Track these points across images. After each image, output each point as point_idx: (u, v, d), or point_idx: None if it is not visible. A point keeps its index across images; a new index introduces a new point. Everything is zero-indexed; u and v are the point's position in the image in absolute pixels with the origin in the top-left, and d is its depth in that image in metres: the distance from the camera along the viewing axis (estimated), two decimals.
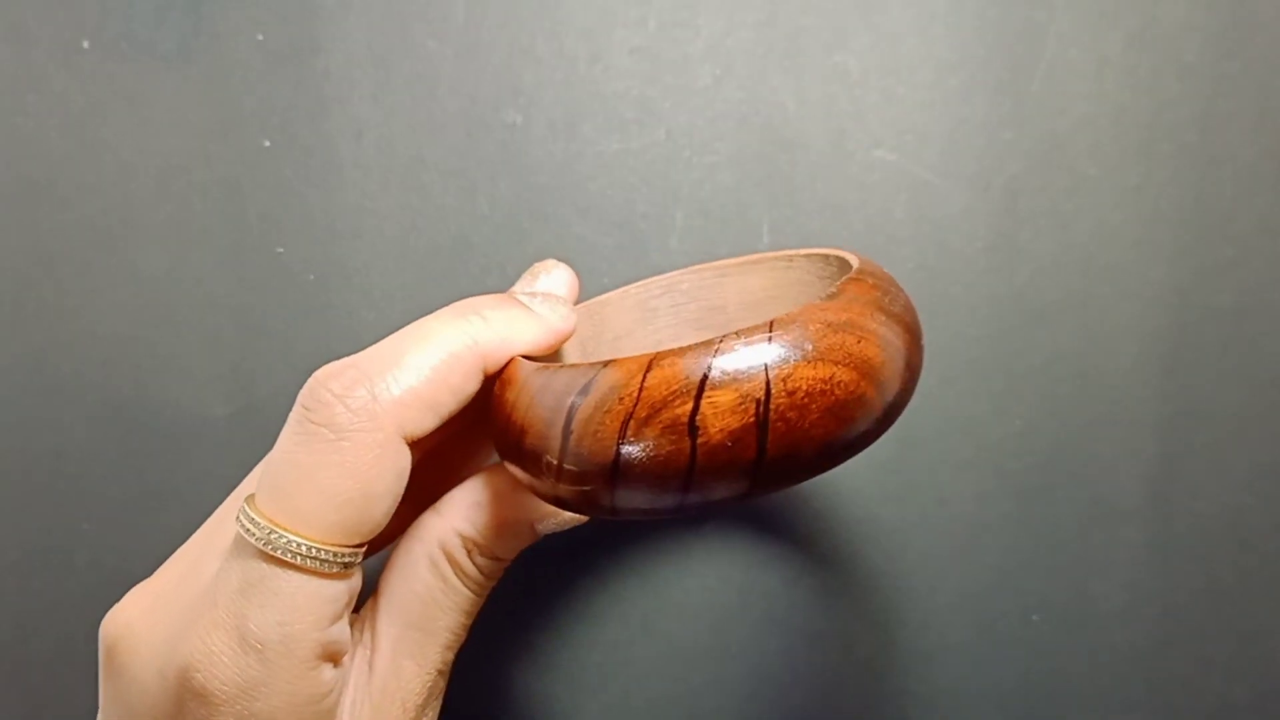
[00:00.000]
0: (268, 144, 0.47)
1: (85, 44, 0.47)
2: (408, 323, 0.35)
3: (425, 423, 0.33)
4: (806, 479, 0.29)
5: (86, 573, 0.48)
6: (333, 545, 0.32)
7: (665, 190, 0.47)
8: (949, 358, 0.47)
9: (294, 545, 0.31)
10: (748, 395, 0.27)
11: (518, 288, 0.40)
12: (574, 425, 0.29)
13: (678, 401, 0.27)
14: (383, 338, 0.34)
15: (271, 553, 0.31)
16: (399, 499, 0.33)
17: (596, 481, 0.29)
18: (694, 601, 0.48)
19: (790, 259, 0.41)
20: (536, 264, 0.41)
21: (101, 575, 0.48)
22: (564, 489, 0.30)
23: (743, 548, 0.48)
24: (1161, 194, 0.47)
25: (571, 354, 0.41)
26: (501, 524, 0.36)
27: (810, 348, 0.28)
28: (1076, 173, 0.47)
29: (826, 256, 0.39)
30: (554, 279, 0.40)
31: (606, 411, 0.28)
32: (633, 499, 0.29)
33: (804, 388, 0.28)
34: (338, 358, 0.34)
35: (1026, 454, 0.47)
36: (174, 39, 0.47)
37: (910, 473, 0.47)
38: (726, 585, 0.48)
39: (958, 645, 0.48)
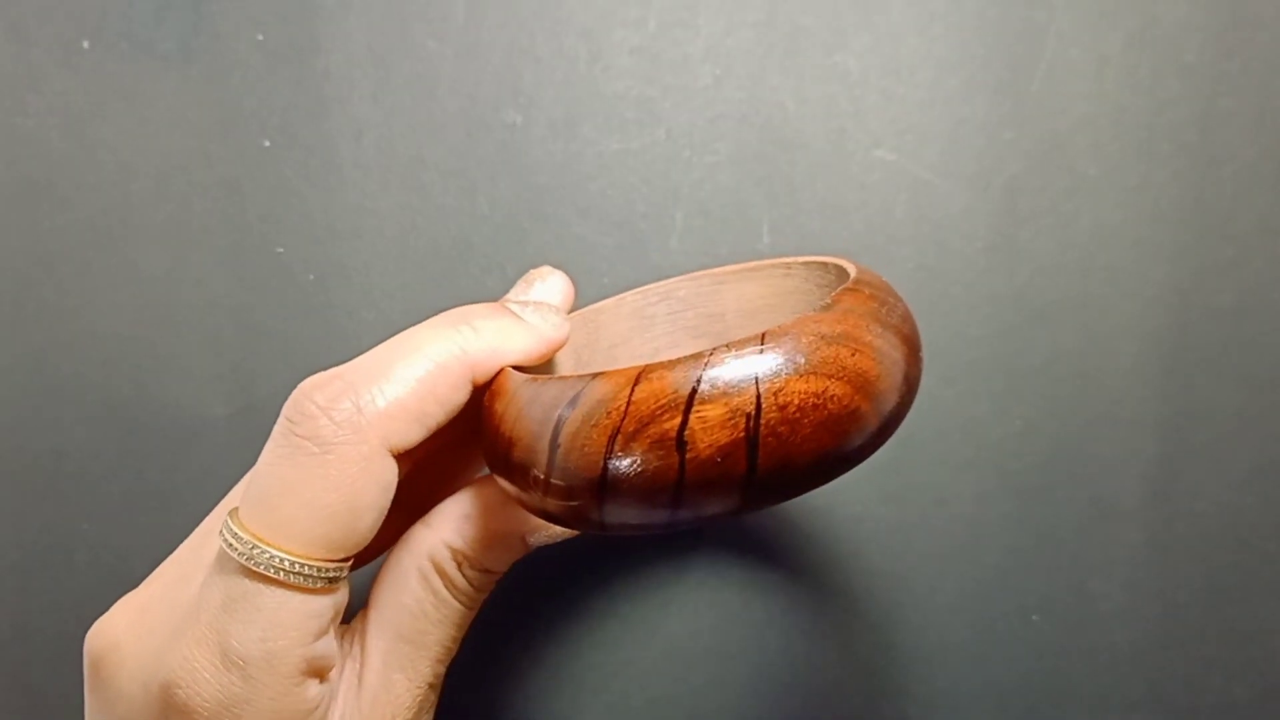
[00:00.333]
0: (267, 144, 0.45)
1: (85, 44, 0.45)
2: (408, 323, 0.34)
3: (412, 435, 0.32)
4: (800, 494, 0.28)
5: (86, 573, 0.46)
6: (317, 560, 0.31)
7: (665, 190, 0.45)
8: (949, 358, 0.46)
9: (277, 560, 0.30)
10: (738, 410, 0.26)
11: (511, 295, 0.38)
12: (561, 439, 0.28)
13: (666, 416, 0.26)
14: (383, 338, 0.33)
15: (254, 568, 0.30)
16: (385, 512, 0.32)
17: (584, 496, 0.28)
18: (694, 601, 0.46)
19: (789, 267, 0.40)
20: (531, 271, 0.39)
21: (101, 575, 0.46)
22: (551, 503, 0.29)
23: (743, 548, 0.46)
24: (1161, 194, 0.46)
25: (566, 362, 0.40)
26: (491, 536, 0.34)
27: (803, 361, 0.27)
28: (1076, 173, 0.45)
29: (825, 265, 0.38)
30: (548, 286, 0.38)
31: (594, 425, 0.27)
32: (621, 514, 0.28)
33: (796, 402, 0.26)
34: (338, 358, 0.33)
35: (1027, 454, 0.46)
36: (174, 39, 0.45)
37: (910, 473, 0.46)
38: (726, 585, 0.46)
39: (958, 645, 0.46)
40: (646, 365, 0.27)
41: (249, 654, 0.30)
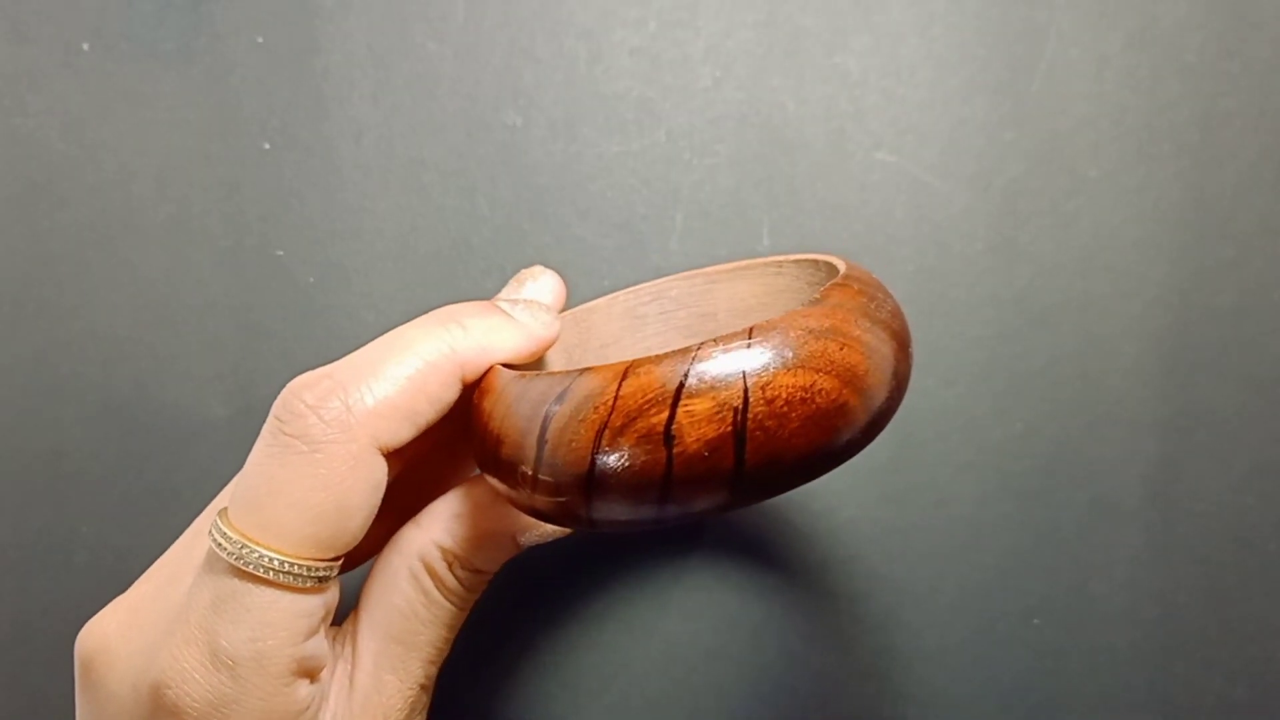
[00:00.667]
0: (267, 146, 0.45)
1: (85, 45, 0.45)
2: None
3: (402, 433, 0.31)
4: (790, 489, 0.27)
5: (85, 573, 0.45)
6: (306, 559, 0.30)
7: (665, 192, 0.45)
8: (949, 359, 0.45)
9: (266, 560, 0.29)
10: (725, 404, 0.25)
11: (502, 295, 0.38)
12: (549, 435, 0.27)
13: (653, 410, 0.26)
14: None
15: (244, 568, 0.29)
16: (375, 511, 0.31)
17: (572, 493, 0.27)
18: (693, 602, 0.45)
19: (780, 265, 0.39)
20: (523, 270, 0.39)
21: (101, 575, 0.45)
22: (540, 500, 0.28)
23: (741, 549, 0.46)
24: (1161, 194, 0.45)
25: (557, 363, 0.39)
26: (482, 536, 0.34)
27: (791, 355, 0.26)
28: (1077, 174, 0.45)
29: (816, 262, 0.37)
30: (539, 286, 0.38)
31: (581, 420, 0.26)
32: (610, 510, 0.27)
33: (783, 396, 0.26)
34: (337, 359, 0.32)
35: (1027, 455, 0.45)
36: (174, 39, 0.44)
37: (910, 474, 0.45)
38: (725, 586, 0.46)
39: (957, 647, 0.46)
40: (634, 360, 0.27)
41: (238, 654, 0.29)
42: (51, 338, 0.44)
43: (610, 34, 0.44)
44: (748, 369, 0.26)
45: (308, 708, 0.31)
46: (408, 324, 0.33)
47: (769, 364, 0.26)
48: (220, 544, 0.29)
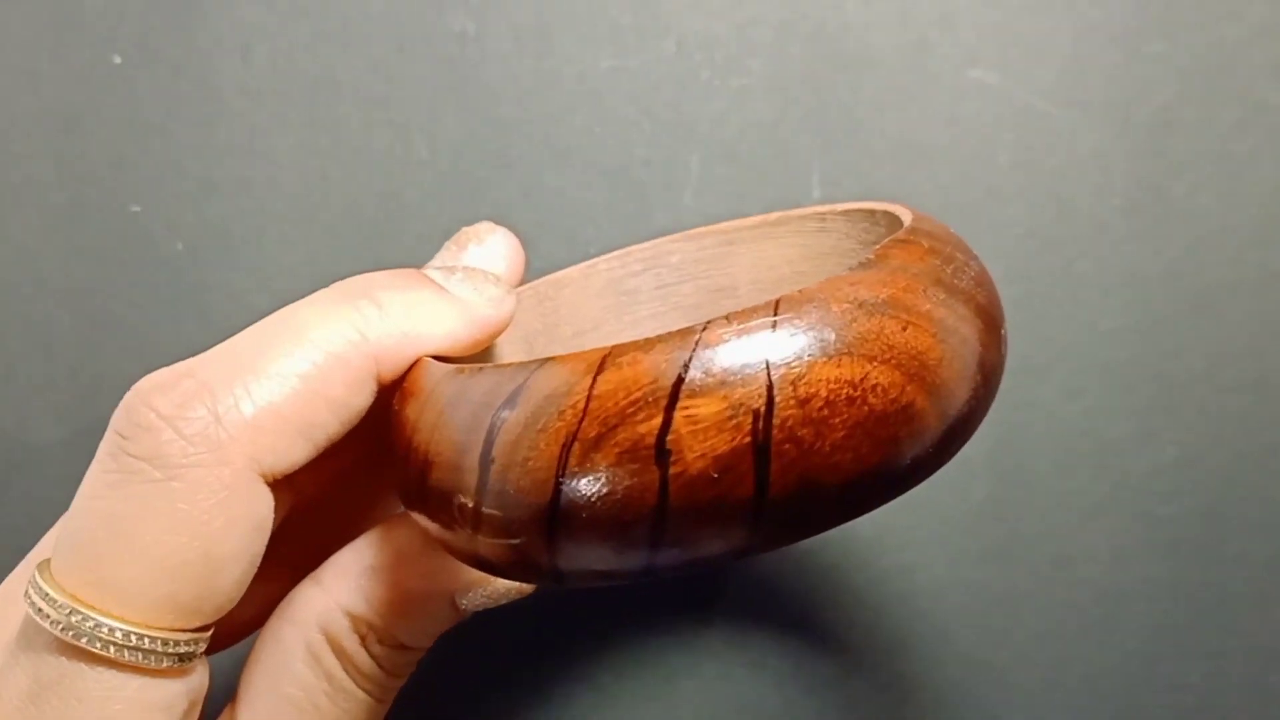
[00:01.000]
0: (118, 59, 0.45)
1: None
2: None
3: (294, 453, 0.31)
4: (832, 526, 0.27)
5: None
6: (162, 630, 0.30)
7: (675, 126, 0.45)
8: (1073, 361, 0.45)
9: (105, 631, 0.29)
10: (741, 405, 0.25)
11: (435, 261, 0.38)
12: (495, 451, 0.26)
13: (641, 415, 0.25)
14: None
15: (74, 641, 0.29)
16: (256, 563, 0.31)
17: (529, 532, 0.26)
18: (715, 669, 0.46)
19: (823, 217, 0.39)
20: (465, 229, 0.38)
21: None
22: (485, 543, 0.28)
23: (775, 618, 0.46)
24: None
25: (513, 356, 0.39)
26: (406, 598, 0.34)
27: (833, 337, 0.26)
28: (1253, 100, 0.45)
29: (873, 213, 0.37)
30: (486, 249, 0.38)
31: (541, 430, 0.26)
32: (581, 557, 0.27)
33: (823, 394, 0.25)
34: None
35: (1184, 494, 0.46)
36: None
37: (1017, 520, 0.46)
38: (758, 674, 0.46)
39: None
40: (615, 346, 0.26)
41: None
42: None
43: None
44: (772, 358, 0.25)
45: None
46: (301, 301, 0.32)
47: (803, 350, 0.25)
48: (41, 609, 0.29)
